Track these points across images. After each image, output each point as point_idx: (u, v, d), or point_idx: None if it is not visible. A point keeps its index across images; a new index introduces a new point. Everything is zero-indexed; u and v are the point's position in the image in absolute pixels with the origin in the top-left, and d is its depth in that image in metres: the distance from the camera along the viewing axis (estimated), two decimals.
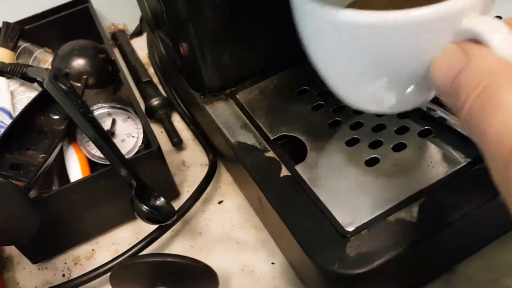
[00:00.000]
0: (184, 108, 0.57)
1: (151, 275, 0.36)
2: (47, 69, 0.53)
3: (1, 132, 0.47)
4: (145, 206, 0.37)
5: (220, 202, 0.48)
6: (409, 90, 0.29)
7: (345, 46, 0.28)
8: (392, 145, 0.38)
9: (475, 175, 0.35)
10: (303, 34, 0.31)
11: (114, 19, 0.70)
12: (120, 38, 0.68)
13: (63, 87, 0.48)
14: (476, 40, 0.24)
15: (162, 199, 0.39)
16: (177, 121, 0.57)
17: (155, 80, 0.62)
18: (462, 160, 0.36)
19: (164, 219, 0.38)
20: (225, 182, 0.49)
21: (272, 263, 0.42)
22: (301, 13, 0.30)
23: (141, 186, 0.39)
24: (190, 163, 0.52)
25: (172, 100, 0.58)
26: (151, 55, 0.66)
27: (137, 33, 0.72)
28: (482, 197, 0.34)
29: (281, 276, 0.41)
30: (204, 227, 0.46)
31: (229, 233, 0.45)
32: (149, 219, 0.37)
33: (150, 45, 0.67)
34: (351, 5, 0.35)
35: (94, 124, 0.44)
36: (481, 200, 0.34)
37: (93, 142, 0.42)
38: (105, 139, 0.43)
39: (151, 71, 0.64)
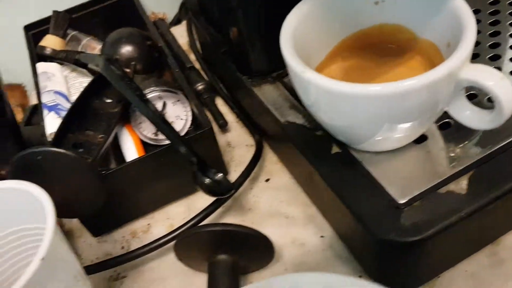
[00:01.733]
0: (226, 92, 0.60)
1: (213, 244, 0.38)
2: (99, 55, 0.56)
3: (62, 114, 0.50)
4: (208, 179, 0.39)
5: (267, 180, 0.50)
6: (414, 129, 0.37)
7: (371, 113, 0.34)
8: (439, 124, 0.40)
9: None
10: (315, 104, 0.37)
11: (154, 8, 0.73)
12: (160, 26, 0.70)
13: (117, 71, 0.50)
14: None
15: (220, 174, 0.41)
16: (220, 105, 0.59)
17: (196, 66, 0.64)
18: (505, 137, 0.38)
19: (225, 192, 0.40)
20: (271, 161, 0.52)
21: (322, 236, 0.44)
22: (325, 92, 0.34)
23: (200, 162, 0.41)
24: (235, 144, 0.55)
25: (215, 85, 0.60)
26: (191, 42, 0.68)
27: (176, 21, 0.75)
28: None
29: (331, 248, 0.43)
30: (253, 203, 0.48)
31: (277, 209, 0.47)
32: (211, 191, 0.40)
33: (190, 33, 0.69)
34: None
35: (151, 106, 0.46)
36: None
37: (152, 123, 0.45)
38: (160, 117, 0.45)
39: (191, 57, 0.66)
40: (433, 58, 0.39)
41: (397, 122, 0.35)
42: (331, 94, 0.33)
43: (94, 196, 0.41)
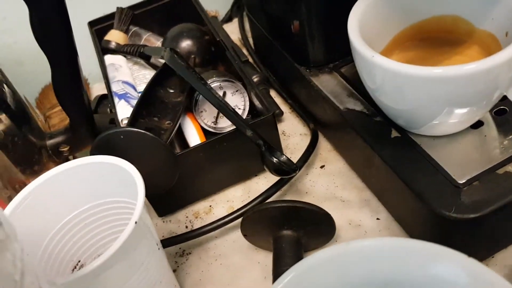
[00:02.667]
0: (280, 86, 0.62)
1: (279, 219, 0.41)
2: (162, 48, 0.59)
3: (131, 102, 0.53)
4: (275, 159, 0.42)
5: (322, 167, 0.53)
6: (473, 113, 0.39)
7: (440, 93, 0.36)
8: (494, 110, 0.42)
9: None
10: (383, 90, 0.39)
11: (207, 6, 0.76)
12: (214, 23, 0.73)
13: (182, 62, 0.53)
14: None
15: (284, 155, 0.44)
16: (274, 96, 0.62)
17: (250, 60, 0.67)
18: None
19: (291, 171, 0.43)
20: (325, 149, 0.54)
21: (377, 219, 0.46)
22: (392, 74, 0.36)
23: (266, 144, 0.44)
24: (290, 133, 0.57)
25: (268, 77, 0.63)
26: (243, 38, 0.71)
27: (227, 19, 0.78)
28: None
29: (387, 229, 0.45)
30: (310, 188, 0.51)
31: (333, 193, 0.50)
32: (277, 171, 0.43)
33: (242, 29, 0.72)
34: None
35: (216, 93, 0.49)
36: None
37: (218, 108, 0.48)
38: (226, 104, 0.48)
39: (244, 52, 0.69)
40: (491, 48, 0.41)
41: (457, 106, 0.37)
42: (397, 76, 0.36)
43: (168, 175, 0.44)
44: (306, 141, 0.55)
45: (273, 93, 0.63)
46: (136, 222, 0.32)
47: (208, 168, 0.50)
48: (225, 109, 0.47)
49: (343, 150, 0.52)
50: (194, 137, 0.53)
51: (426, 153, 0.40)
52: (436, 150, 0.41)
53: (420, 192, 0.38)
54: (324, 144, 0.55)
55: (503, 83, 0.36)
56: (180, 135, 0.54)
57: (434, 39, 0.44)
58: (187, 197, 0.52)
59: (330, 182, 0.51)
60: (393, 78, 0.36)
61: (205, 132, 0.55)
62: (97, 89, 0.72)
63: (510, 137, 0.40)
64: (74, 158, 0.56)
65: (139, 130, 0.42)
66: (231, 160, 0.50)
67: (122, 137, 0.41)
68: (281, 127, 0.58)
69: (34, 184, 0.37)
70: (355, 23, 0.40)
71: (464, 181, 0.38)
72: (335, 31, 0.49)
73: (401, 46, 0.45)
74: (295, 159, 0.52)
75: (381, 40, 0.44)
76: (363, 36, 0.40)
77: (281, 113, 0.58)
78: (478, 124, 0.42)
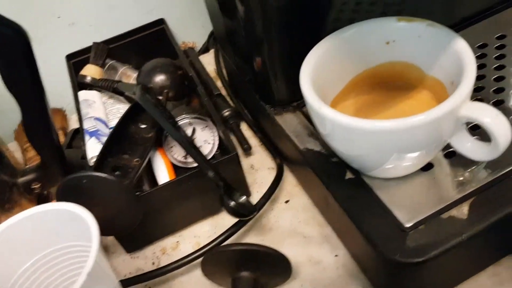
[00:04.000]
0: (250, 117, 0.64)
1: (237, 262, 0.42)
2: (136, 84, 0.61)
3: (102, 139, 0.55)
4: (233, 202, 0.43)
5: (286, 202, 0.54)
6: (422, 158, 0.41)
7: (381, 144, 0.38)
8: (444, 152, 0.44)
9: None
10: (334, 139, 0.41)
11: (185, 38, 0.78)
12: (190, 54, 0.75)
13: (152, 100, 0.55)
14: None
15: (244, 197, 0.45)
16: (245, 129, 0.64)
17: (223, 92, 0.69)
18: (505, 166, 0.41)
19: (248, 214, 0.45)
20: (291, 184, 0.56)
21: (336, 255, 0.48)
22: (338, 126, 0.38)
23: (226, 186, 0.45)
24: (258, 166, 0.59)
25: (240, 110, 0.65)
26: (218, 70, 0.73)
27: (204, 50, 0.80)
28: None
29: (344, 266, 0.47)
30: (274, 223, 0.52)
31: (296, 228, 0.51)
32: (235, 213, 0.44)
33: (218, 61, 0.74)
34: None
35: (182, 132, 0.51)
36: None
37: (184, 148, 0.49)
38: (191, 144, 0.50)
39: (218, 84, 0.71)
40: (439, 94, 0.42)
41: (405, 152, 0.38)
42: (345, 129, 0.37)
43: (131, 216, 0.46)
44: (273, 174, 0.56)
45: (245, 126, 0.64)
46: (89, 273, 0.34)
47: (175, 204, 0.51)
48: (189, 149, 0.49)
49: (306, 186, 0.54)
50: (163, 173, 0.54)
51: (377, 196, 0.42)
52: (387, 192, 0.42)
53: (368, 234, 0.40)
54: (289, 179, 0.56)
55: (447, 131, 0.38)
56: (151, 170, 0.56)
57: (387, 84, 0.46)
58: (155, 233, 0.53)
59: (293, 218, 0.52)
60: (341, 129, 0.38)
61: (175, 166, 0.56)
62: (75, 119, 0.73)
63: (457, 181, 0.41)
64: (47, 194, 0.58)
65: (100, 174, 0.43)
66: (197, 196, 0.52)
67: (84, 181, 0.43)
68: (250, 160, 0.60)
69: None
70: (308, 72, 0.41)
71: (410, 225, 0.39)
72: (297, 71, 0.51)
73: (356, 90, 0.46)
74: (262, 193, 0.54)
75: (336, 85, 0.46)
76: (319, 82, 0.42)
77: (249, 148, 0.60)
78: (428, 166, 0.43)
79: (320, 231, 0.50)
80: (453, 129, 0.38)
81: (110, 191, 0.44)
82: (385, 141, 0.37)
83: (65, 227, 0.39)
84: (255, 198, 0.54)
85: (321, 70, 0.43)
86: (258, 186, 0.57)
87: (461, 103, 0.36)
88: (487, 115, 0.35)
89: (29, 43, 0.45)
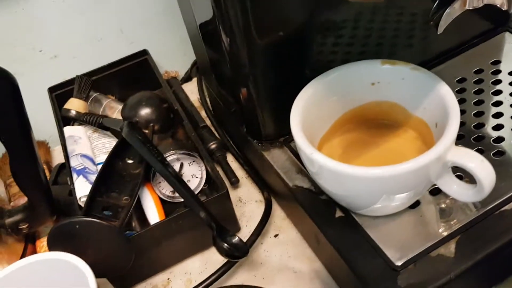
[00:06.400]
0: (236, 150, 0.65)
1: None
2: (121, 120, 0.61)
3: (89, 177, 0.55)
4: (226, 245, 0.44)
5: (276, 236, 0.55)
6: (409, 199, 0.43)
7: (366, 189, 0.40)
8: (430, 190, 0.45)
9: (503, 215, 0.42)
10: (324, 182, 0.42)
11: (167, 67, 0.78)
12: (173, 84, 0.76)
13: (139, 137, 0.55)
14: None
15: (236, 237, 0.46)
16: (231, 161, 0.64)
17: (207, 122, 0.69)
18: (489, 203, 0.43)
19: (241, 255, 0.45)
20: (279, 217, 0.57)
21: None
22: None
23: (218, 227, 0.46)
24: (246, 199, 0.60)
25: (225, 142, 0.65)
26: (202, 100, 0.74)
27: (186, 78, 0.80)
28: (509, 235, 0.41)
29: None
30: (264, 258, 0.53)
31: (286, 263, 0.52)
32: (229, 256, 0.45)
33: (201, 90, 0.75)
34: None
35: (171, 169, 0.51)
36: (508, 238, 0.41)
37: (174, 188, 0.50)
38: (181, 183, 0.50)
39: (202, 114, 0.71)
40: (424, 134, 0.44)
41: (393, 194, 0.40)
42: (335, 173, 0.38)
43: (123, 257, 0.46)
44: (261, 207, 0.57)
45: (231, 158, 0.65)
46: None
47: (165, 242, 0.52)
48: (179, 189, 0.49)
49: (295, 220, 0.55)
50: (152, 210, 0.54)
51: (367, 234, 0.43)
52: (377, 230, 0.43)
53: (360, 274, 0.41)
54: (278, 212, 0.57)
55: (434, 174, 0.39)
56: (139, 207, 0.56)
57: (373, 122, 0.47)
58: (145, 271, 0.53)
59: (283, 252, 0.53)
60: (331, 173, 0.39)
61: (162, 200, 0.57)
62: (58, 151, 0.73)
63: (443, 219, 0.43)
64: (34, 233, 0.57)
65: (93, 219, 0.43)
66: (188, 233, 0.52)
67: (77, 226, 0.43)
68: (237, 193, 0.61)
69: None
70: (297, 114, 0.42)
71: (400, 263, 0.41)
72: (285, 107, 0.52)
73: (343, 128, 0.48)
74: (251, 227, 0.55)
75: (323, 125, 0.47)
76: (307, 122, 0.43)
77: (237, 181, 0.60)
78: (416, 203, 0.45)
79: (310, 266, 0.51)
80: (440, 172, 0.39)
81: (101, 235, 0.44)
82: (374, 186, 0.39)
83: (62, 275, 0.39)
84: (244, 232, 0.55)
85: (309, 112, 0.44)
86: (246, 220, 0.57)
87: (447, 149, 0.37)
88: (472, 161, 0.37)
89: (17, 88, 0.45)
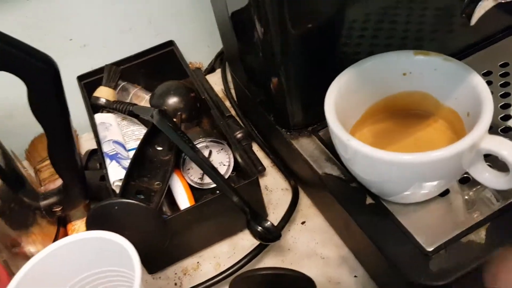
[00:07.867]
0: (261, 139, 0.66)
1: (265, 285, 0.44)
2: (151, 108, 0.62)
3: (121, 162, 0.56)
4: (260, 228, 0.45)
5: (303, 223, 0.56)
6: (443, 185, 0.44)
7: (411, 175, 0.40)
8: (459, 179, 0.46)
9: None
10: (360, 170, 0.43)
11: (192, 58, 0.80)
12: (197, 75, 0.77)
13: (169, 124, 0.56)
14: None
15: (269, 222, 0.47)
16: (256, 150, 0.66)
17: (232, 112, 0.70)
18: None
19: (274, 239, 0.46)
20: (305, 205, 0.58)
21: (355, 276, 0.50)
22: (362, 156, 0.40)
23: (252, 211, 0.47)
24: (272, 187, 0.61)
25: (250, 131, 0.67)
26: (226, 90, 0.75)
27: (210, 70, 0.81)
28: None
29: (364, 287, 0.49)
30: (292, 244, 0.54)
31: (314, 249, 0.53)
32: (262, 239, 0.46)
33: (225, 81, 0.76)
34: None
35: (202, 155, 0.53)
36: None
37: (206, 173, 0.51)
38: (214, 169, 0.51)
39: (227, 103, 0.72)
40: (454, 124, 0.45)
41: (425, 181, 0.41)
42: (369, 158, 0.39)
43: (160, 238, 0.47)
44: (287, 195, 0.58)
45: (255, 147, 0.66)
46: None
47: (196, 227, 0.53)
48: (211, 174, 0.50)
49: (322, 208, 0.56)
50: (182, 196, 0.56)
51: (398, 221, 0.44)
52: (407, 217, 0.44)
53: (392, 259, 0.42)
54: (304, 200, 0.58)
55: (466, 162, 0.40)
56: (168, 192, 0.57)
57: (404, 112, 0.48)
58: (176, 254, 0.55)
59: (310, 239, 0.54)
60: (366, 159, 0.40)
61: (192, 187, 0.58)
62: (85, 139, 0.74)
63: (473, 206, 0.44)
64: (65, 217, 0.58)
65: (132, 201, 0.45)
66: (217, 219, 0.53)
67: (116, 207, 0.44)
68: (263, 181, 0.62)
69: (35, 259, 0.39)
70: (332, 103, 0.44)
71: (432, 249, 0.42)
72: (315, 95, 0.53)
73: (374, 118, 0.49)
74: (278, 214, 0.56)
75: (355, 113, 0.48)
76: (340, 110, 0.44)
77: (263, 169, 0.62)
78: (445, 191, 0.46)
79: (338, 252, 0.52)
80: (472, 160, 0.40)
81: (140, 216, 0.46)
82: (406, 172, 0.40)
83: (104, 253, 0.41)
84: (272, 219, 0.56)
85: (342, 99, 0.45)
86: (273, 208, 0.58)
87: (481, 137, 0.38)
88: (506, 148, 0.37)
89: (58, 74, 0.46)
